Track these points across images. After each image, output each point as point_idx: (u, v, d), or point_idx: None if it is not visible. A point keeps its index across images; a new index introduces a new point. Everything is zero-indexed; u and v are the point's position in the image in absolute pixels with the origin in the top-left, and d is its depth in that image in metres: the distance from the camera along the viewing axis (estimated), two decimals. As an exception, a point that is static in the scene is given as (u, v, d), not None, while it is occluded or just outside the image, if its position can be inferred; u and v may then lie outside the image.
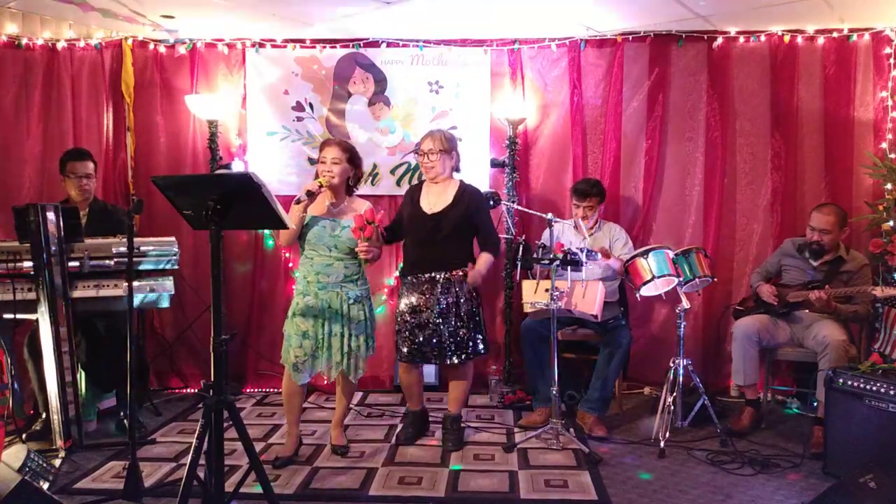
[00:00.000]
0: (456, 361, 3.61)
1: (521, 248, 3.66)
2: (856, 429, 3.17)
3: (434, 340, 3.57)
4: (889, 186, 4.22)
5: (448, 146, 3.62)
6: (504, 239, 4.51)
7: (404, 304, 3.64)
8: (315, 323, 3.38)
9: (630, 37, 4.58)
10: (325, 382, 3.66)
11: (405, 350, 3.63)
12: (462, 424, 3.92)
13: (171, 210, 2.50)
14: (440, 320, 3.56)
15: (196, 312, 4.75)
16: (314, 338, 3.38)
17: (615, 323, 4.05)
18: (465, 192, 3.64)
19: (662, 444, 3.58)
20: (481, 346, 3.66)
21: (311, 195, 3.30)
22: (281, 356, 3.49)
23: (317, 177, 3.46)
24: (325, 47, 4.72)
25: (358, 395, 4.62)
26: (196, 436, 2.28)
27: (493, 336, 4.77)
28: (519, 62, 4.68)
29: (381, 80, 4.74)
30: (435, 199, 3.64)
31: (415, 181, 4.54)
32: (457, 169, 3.73)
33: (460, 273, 3.52)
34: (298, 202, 3.30)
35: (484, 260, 3.62)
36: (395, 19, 4.29)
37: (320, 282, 3.40)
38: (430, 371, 4.61)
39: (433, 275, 3.58)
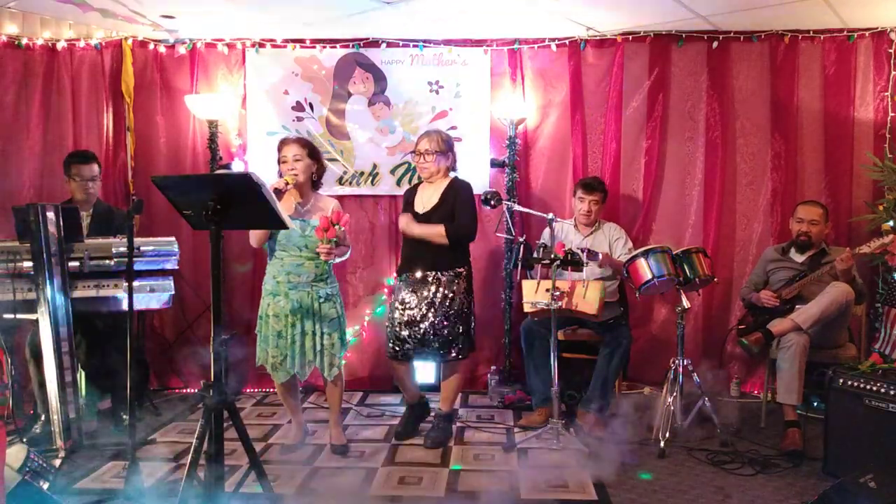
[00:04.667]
0: (443, 359, 3.66)
1: (521, 248, 3.67)
2: (856, 429, 3.16)
3: (417, 338, 3.62)
4: (889, 186, 4.23)
5: (444, 147, 3.66)
6: (504, 239, 4.51)
7: (396, 301, 3.70)
8: (287, 323, 3.40)
9: (630, 37, 4.58)
10: (301, 382, 3.68)
11: (396, 348, 3.69)
12: (461, 424, 3.93)
13: (171, 210, 2.50)
14: (425, 319, 3.60)
15: (196, 312, 4.75)
16: (288, 337, 3.40)
17: (615, 323, 4.05)
18: (452, 188, 3.67)
19: (662, 444, 3.58)
20: (462, 348, 3.66)
21: (279, 193, 3.28)
22: (257, 357, 3.52)
23: (281, 176, 3.43)
24: (325, 47, 4.72)
25: (358, 395, 4.62)
26: (196, 436, 2.28)
27: (493, 336, 4.78)
28: (519, 62, 4.68)
29: (381, 80, 4.74)
30: (427, 199, 3.69)
31: (415, 181, 4.54)
32: (453, 169, 3.75)
33: (454, 280, 3.61)
34: None
35: (431, 227, 3.59)
36: (395, 19, 4.29)
37: (290, 282, 3.41)
38: (429, 372, 4.59)
39: (424, 274, 3.63)
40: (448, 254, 3.62)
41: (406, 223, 3.67)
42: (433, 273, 3.62)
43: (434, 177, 3.68)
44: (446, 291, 3.61)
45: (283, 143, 3.51)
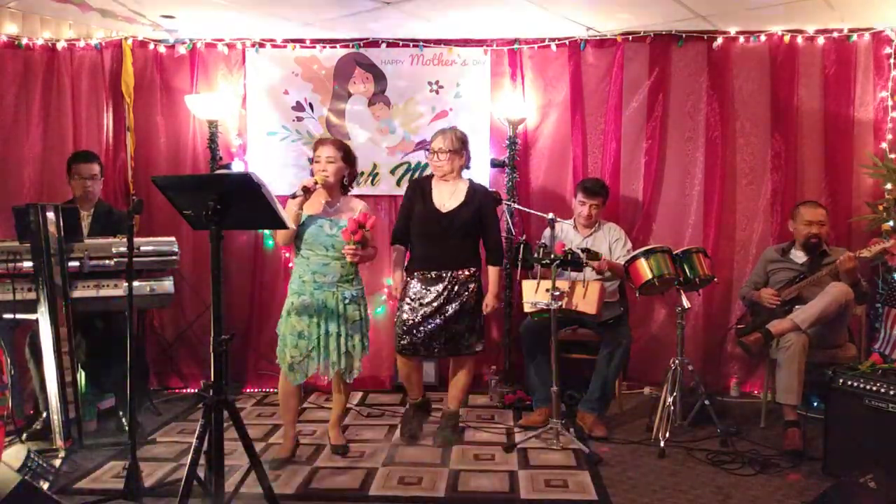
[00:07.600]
0: (457, 355, 3.67)
1: (521, 248, 3.67)
2: (856, 429, 3.16)
3: (436, 335, 3.62)
4: (889, 186, 4.23)
5: (459, 146, 3.68)
6: (504, 239, 4.51)
7: (411, 297, 3.65)
8: (311, 322, 3.37)
9: (630, 37, 4.58)
10: (326, 381, 3.67)
11: (405, 342, 3.64)
12: (461, 424, 3.93)
13: (171, 210, 2.50)
14: (444, 316, 3.61)
15: (196, 312, 4.75)
16: (310, 338, 3.37)
17: (615, 323, 4.05)
18: (476, 192, 3.71)
19: (662, 444, 3.58)
20: (478, 345, 3.70)
21: (307, 191, 3.30)
22: (277, 356, 3.49)
23: (312, 175, 3.46)
24: (325, 47, 4.72)
25: (358, 395, 4.62)
26: (196, 436, 2.28)
27: (493, 336, 4.78)
28: (519, 62, 4.68)
29: (381, 80, 4.74)
30: (447, 197, 3.68)
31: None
32: (466, 167, 3.77)
33: (469, 279, 3.66)
34: (294, 197, 3.30)
35: (495, 278, 3.73)
36: (395, 19, 4.29)
37: (316, 281, 3.39)
38: (429, 371, 4.60)
39: (441, 272, 3.63)
40: (463, 253, 3.66)
41: (494, 302, 3.72)
42: (449, 272, 3.63)
43: (448, 175, 3.69)
44: (461, 289, 3.62)
45: (319, 142, 3.52)
